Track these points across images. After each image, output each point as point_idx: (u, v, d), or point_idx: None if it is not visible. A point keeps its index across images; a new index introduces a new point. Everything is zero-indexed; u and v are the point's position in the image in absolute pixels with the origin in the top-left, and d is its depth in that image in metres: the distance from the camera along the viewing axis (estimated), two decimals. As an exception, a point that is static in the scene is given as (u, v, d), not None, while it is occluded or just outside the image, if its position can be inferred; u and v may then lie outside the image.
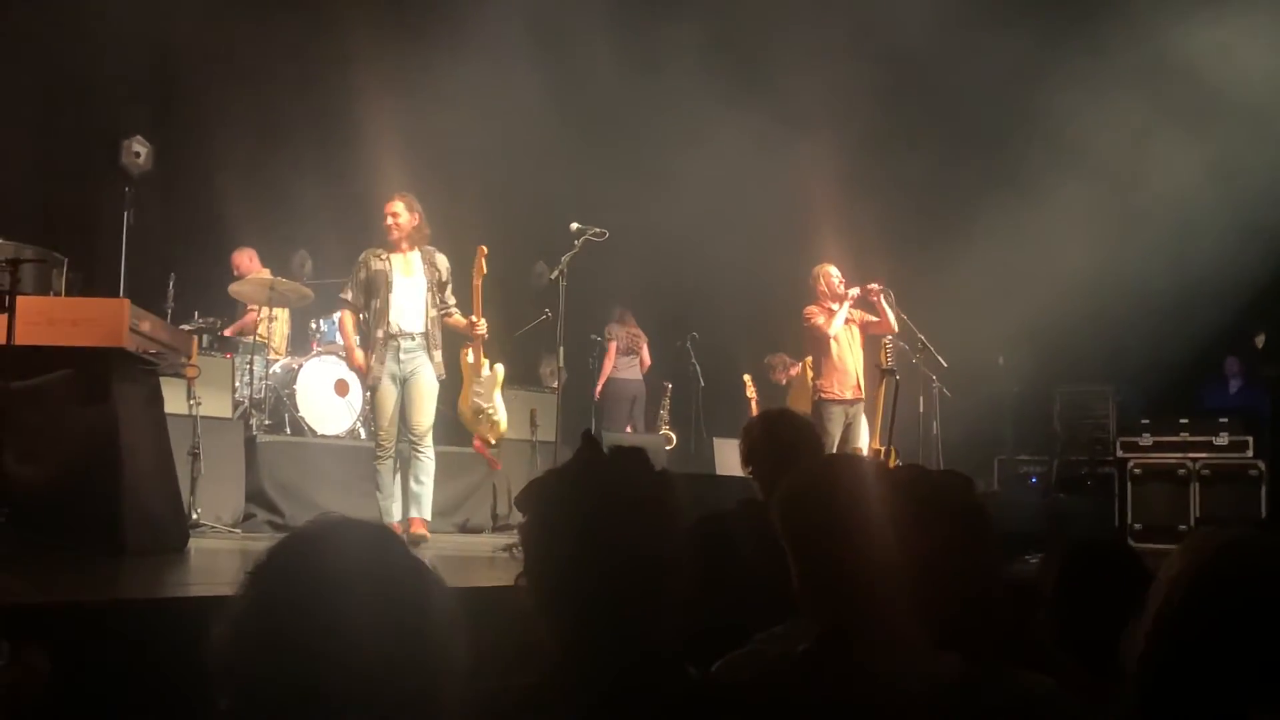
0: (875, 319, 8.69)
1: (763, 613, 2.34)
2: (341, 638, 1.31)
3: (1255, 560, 1.56)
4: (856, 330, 8.71)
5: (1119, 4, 9.53)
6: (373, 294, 7.00)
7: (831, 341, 8.54)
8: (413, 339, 6.96)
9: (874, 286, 8.61)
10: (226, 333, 9.06)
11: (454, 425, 9.73)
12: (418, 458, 6.98)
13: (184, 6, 9.02)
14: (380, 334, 6.92)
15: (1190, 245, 8.97)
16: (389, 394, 6.91)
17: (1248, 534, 1.60)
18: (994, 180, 9.61)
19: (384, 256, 7.03)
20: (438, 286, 7.10)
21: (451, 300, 7.19)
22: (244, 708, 1.32)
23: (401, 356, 6.93)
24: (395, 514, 6.93)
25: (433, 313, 7.04)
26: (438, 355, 7.04)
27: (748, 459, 3.80)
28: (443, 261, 7.15)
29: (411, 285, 7.01)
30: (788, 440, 3.67)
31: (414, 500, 6.97)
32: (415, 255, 7.08)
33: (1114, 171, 9.28)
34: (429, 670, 1.37)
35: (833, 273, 8.71)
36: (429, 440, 7.01)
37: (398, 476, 7.05)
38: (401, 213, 7.02)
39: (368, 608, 1.34)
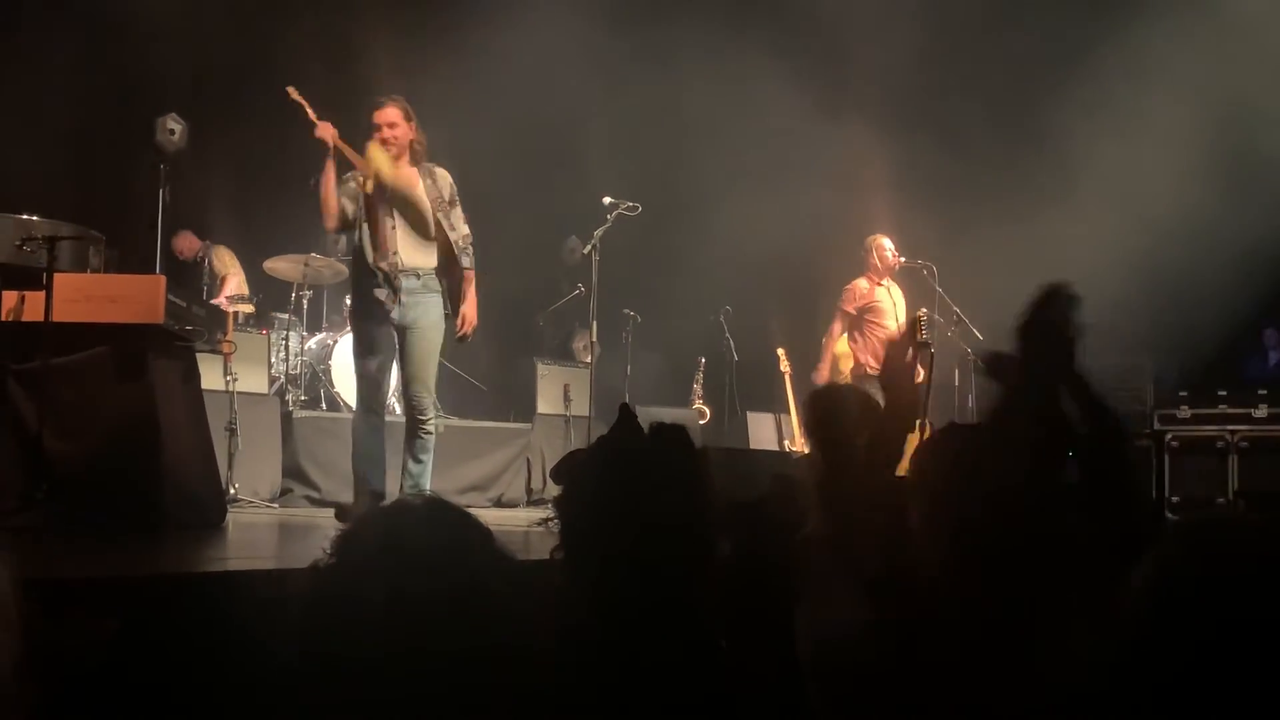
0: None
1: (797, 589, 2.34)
2: (411, 612, 1.35)
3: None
4: (902, 307, 8.58)
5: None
6: (362, 216, 5.77)
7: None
8: (416, 276, 5.81)
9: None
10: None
11: (486, 399, 9.80)
12: (419, 433, 5.83)
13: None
14: (384, 267, 5.73)
15: (1227, 216, 8.85)
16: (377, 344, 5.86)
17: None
18: (1031, 151, 9.50)
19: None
20: (447, 206, 5.89)
21: (464, 226, 5.93)
22: (313, 669, 1.37)
23: (403, 299, 5.78)
24: (377, 482, 5.90)
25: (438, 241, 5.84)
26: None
27: (812, 431, 3.80)
28: (444, 177, 5.93)
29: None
30: (848, 413, 3.68)
31: (411, 480, 5.93)
32: (412, 174, 5.84)
33: (1154, 140, 9.15)
34: (491, 651, 1.39)
35: (886, 245, 8.55)
36: (431, 410, 5.93)
37: (379, 439, 5.96)
38: (399, 122, 5.75)
39: (442, 587, 1.37)
